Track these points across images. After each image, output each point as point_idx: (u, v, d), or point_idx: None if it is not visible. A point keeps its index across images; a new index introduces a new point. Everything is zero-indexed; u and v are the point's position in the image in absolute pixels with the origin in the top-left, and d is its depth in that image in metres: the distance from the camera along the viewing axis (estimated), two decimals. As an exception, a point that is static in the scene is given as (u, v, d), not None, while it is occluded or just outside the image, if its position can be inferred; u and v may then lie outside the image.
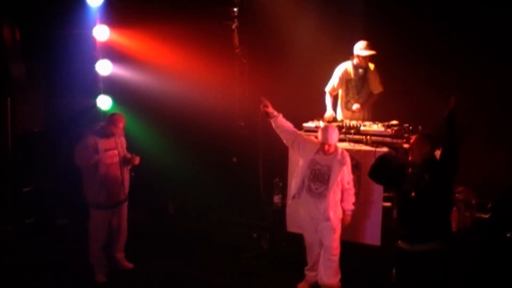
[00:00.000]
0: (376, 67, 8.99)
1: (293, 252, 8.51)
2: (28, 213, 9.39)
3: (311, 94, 9.19)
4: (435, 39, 9.07)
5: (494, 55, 8.67)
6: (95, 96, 9.93)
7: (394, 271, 6.60)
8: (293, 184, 7.86)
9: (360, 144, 8.31)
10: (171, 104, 10.13)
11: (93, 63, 9.84)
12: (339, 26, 9.34)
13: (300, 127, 8.83)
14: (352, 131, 8.46)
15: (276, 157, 8.82)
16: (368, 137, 8.30)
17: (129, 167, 8.39)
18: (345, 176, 7.68)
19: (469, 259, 7.52)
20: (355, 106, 8.99)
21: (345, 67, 9.02)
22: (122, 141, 8.36)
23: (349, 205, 7.76)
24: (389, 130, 8.28)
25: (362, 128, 8.43)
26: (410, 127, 8.43)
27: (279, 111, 8.96)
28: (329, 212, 7.59)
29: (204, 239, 9.46)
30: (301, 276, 8.03)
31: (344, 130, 8.48)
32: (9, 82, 8.97)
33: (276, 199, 8.84)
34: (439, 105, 8.96)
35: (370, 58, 8.92)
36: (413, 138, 6.72)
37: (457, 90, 8.93)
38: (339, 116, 9.13)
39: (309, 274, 7.97)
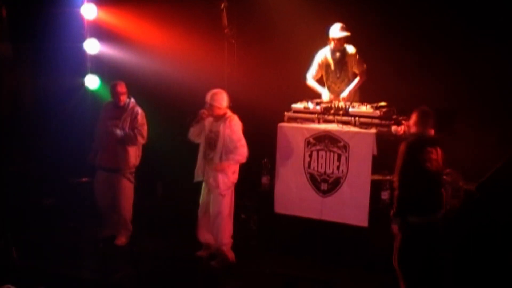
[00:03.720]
0: (361, 47, 8.94)
1: (281, 233, 8.55)
2: (15, 192, 9.34)
3: (299, 75, 9.14)
4: (424, 20, 9.05)
5: (484, 38, 8.65)
6: (83, 75, 9.87)
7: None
8: (198, 167, 8.23)
9: (349, 126, 8.35)
10: (159, 84, 10.10)
11: (81, 42, 9.77)
12: (330, 7, 9.29)
13: (288, 108, 8.83)
14: (341, 112, 8.48)
15: (265, 138, 8.81)
16: (357, 118, 8.33)
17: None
18: (231, 136, 7.98)
19: (457, 241, 7.58)
20: (342, 95, 8.89)
21: (324, 53, 8.95)
22: (132, 116, 8.71)
23: (234, 156, 8.01)
24: (377, 111, 8.31)
25: (350, 109, 8.45)
26: (399, 109, 8.45)
27: (267, 92, 8.96)
28: (218, 177, 8.01)
29: (192, 220, 9.44)
30: (289, 257, 8.10)
31: (332, 111, 8.50)
32: (-4, 61, 8.93)
33: (264, 180, 8.84)
34: (427, 87, 9.06)
35: (347, 40, 8.84)
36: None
37: (446, 73, 9.03)
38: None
39: (199, 240, 8.39)
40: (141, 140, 8.77)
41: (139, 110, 8.78)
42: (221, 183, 8.02)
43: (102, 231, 8.93)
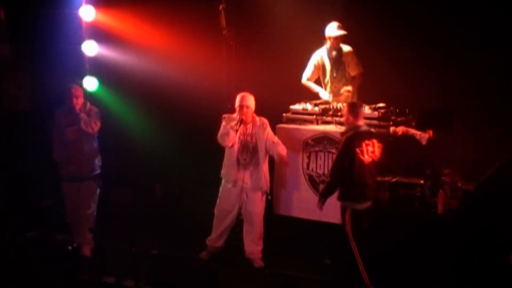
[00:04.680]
0: (359, 48, 8.95)
1: (280, 234, 8.55)
2: (14, 194, 9.33)
3: (298, 76, 9.16)
4: (422, 19, 9.07)
5: (483, 38, 8.68)
6: (81, 77, 9.84)
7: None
8: (228, 166, 8.20)
9: (347, 126, 8.34)
10: (158, 85, 10.10)
11: (79, 44, 9.74)
12: (328, 8, 9.31)
13: (287, 109, 8.85)
14: (339, 113, 8.48)
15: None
16: (355, 119, 8.34)
17: (93, 145, 8.57)
18: (269, 137, 8.14)
19: (455, 241, 7.60)
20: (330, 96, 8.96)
21: (320, 54, 8.98)
22: (88, 116, 8.46)
23: (284, 151, 8.15)
24: (376, 112, 8.33)
25: (349, 110, 8.45)
26: (397, 110, 8.47)
27: (266, 93, 8.96)
28: (262, 181, 8.12)
29: (190, 221, 9.47)
30: (289, 258, 8.08)
31: (331, 112, 8.51)
32: (-6, 62, 8.91)
33: (264, 181, 8.84)
34: (426, 87, 9.09)
35: (343, 40, 8.85)
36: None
37: (444, 73, 9.06)
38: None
39: (213, 244, 8.36)
40: (92, 130, 8.50)
41: (93, 108, 8.63)
42: (266, 183, 8.20)
43: (72, 242, 8.54)
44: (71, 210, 8.66)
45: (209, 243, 8.42)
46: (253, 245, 8.26)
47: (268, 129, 8.20)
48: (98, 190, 8.74)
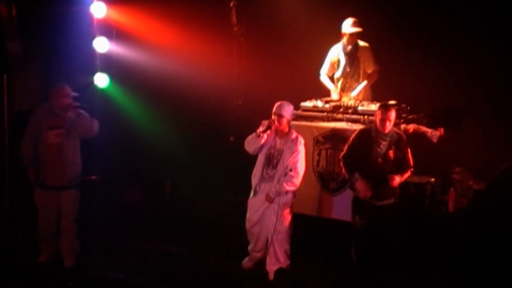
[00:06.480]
0: (370, 45, 8.91)
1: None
2: (25, 190, 9.35)
3: (309, 73, 9.15)
4: (433, 18, 9.05)
5: (493, 36, 8.65)
6: (92, 74, 9.86)
7: (357, 218, 7.58)
8: (253, 176, 7.83)
9: (358, 124, 8.33)
10: (169, 82, 10.11)
11: (90, 40, 9.76)
12: (339, 5, 9.29)
13: (297, 107, 8.83)
14: (350, 110, 8.47)
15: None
16: (366, 117, 8.31)
17: (77, 149, 8.11)
18: (290, 163, 7.61)
19: (466, 240, 7.56)
20: (353, 94, 8.85)
21: (336, 49, 8.94)
22: (76, 119, 8.03)
23: (277, 187, 7.64)
24: (387, 110, 8.27)
25: (360, 108, 8.44)
26: (408, 107, 8.44)
27: (277, 90, 8.97)
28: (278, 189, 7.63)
29: (200, 218, 9.48)
30: (298, 256, 8.06)
31: (341, 110, 8.49)
32: (6, 59, 8.89)
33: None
34: (437, 85, 9.05)
35: (360, 36, 8.82)
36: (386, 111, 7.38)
37: (455, 71, 9.02)
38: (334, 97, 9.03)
39: (255, 255, 8.04)
40: (93, 129, 8.11)
41: (81, 110, 8.11)
42: (281, 199, 7.72)
43: (39, 257, 8.24)
44: (45, 222, 8.14)
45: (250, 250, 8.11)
46: (275, 262, 7.89)
47: (298, 153, 7.65)
48: (79, 196, 8.26)
